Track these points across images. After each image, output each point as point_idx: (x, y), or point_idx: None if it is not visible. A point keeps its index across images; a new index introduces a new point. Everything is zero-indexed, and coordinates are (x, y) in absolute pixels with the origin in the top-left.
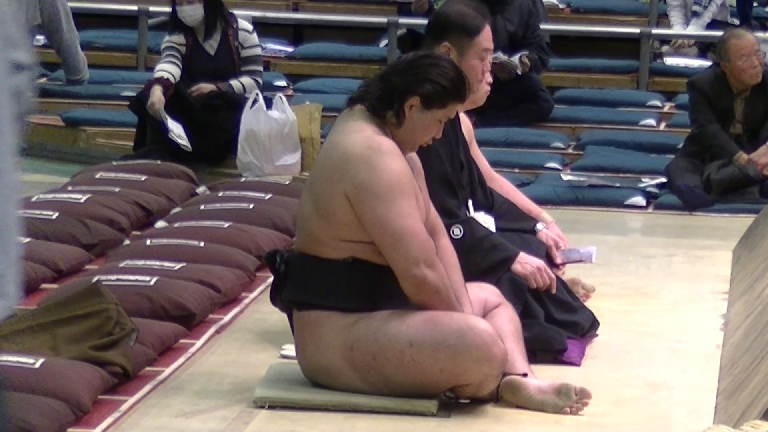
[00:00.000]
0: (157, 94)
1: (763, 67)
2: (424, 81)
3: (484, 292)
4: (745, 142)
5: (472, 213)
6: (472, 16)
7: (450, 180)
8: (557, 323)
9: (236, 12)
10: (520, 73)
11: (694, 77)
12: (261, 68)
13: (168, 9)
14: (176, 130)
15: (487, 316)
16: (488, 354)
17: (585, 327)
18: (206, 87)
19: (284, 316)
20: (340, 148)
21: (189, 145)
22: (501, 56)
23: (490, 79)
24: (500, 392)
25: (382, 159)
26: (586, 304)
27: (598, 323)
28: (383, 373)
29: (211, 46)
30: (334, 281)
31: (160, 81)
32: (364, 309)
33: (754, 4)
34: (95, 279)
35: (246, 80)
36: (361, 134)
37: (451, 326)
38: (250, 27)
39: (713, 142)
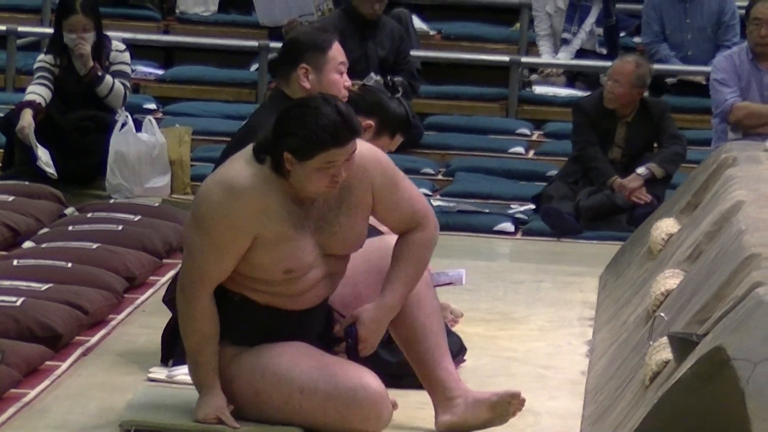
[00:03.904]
0: (27, 118)
1: (629, 96)
2: (287, 135)
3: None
4: (621, 168)
5: None
6: (321, 34)
7: None
8: None
9: (108, 33)
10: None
11: (581, 99)
12: (128, 82)
13: (37, 29)
14: (44, 157)
15: (413, 302)
16: (377, 414)
17: (453, 352)
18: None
19: (153, 338)
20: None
21: (55, 173)
22: (373, 77)
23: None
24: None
25: (217, 190)
26: (453, 329)
27: (466, 349)
28: (262, 410)
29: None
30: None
31: (31, 104)
32: (244, 343)
33: (622, 33)
34: None
35: (117, 84)
36: (232, 164)
37: (346, 382)
38: (123, 46)
39: (591, 164)
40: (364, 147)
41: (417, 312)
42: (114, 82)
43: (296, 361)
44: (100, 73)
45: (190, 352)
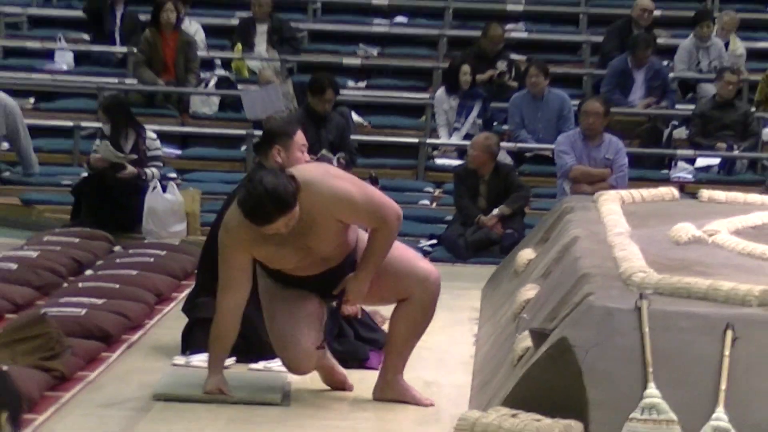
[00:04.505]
0: (92, 156)
1: (481, 159)
2: (239, 205)
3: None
4: (488, 212)
5: None
6: (289, 124)
7: None
8: (363, 340)
9: (144, 125)
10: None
11: (456, 167)
12: (161, 164)
13: (93, 124)
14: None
15: (429, 302)
16: (297, 362)
17: (382, 343)
18: (131, 170)
19: (176, 336)
20: None
21: (123, 159)
22: (324, 153)
23: None
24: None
25: (222, 228)
26: (383, 327)
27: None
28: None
29: (127, 148)
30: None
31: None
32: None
33: (495, 122)
34: (42, 311)
35: (154, 170)
36: (231, 209)
37: (291, 331)
38: (154, 135)
39: (463, 211)
40: (324, 187)
41: (422, 307)
42: (153, 172)
43: (283, 305)
44: (144, 177)
45: (210, 339)
